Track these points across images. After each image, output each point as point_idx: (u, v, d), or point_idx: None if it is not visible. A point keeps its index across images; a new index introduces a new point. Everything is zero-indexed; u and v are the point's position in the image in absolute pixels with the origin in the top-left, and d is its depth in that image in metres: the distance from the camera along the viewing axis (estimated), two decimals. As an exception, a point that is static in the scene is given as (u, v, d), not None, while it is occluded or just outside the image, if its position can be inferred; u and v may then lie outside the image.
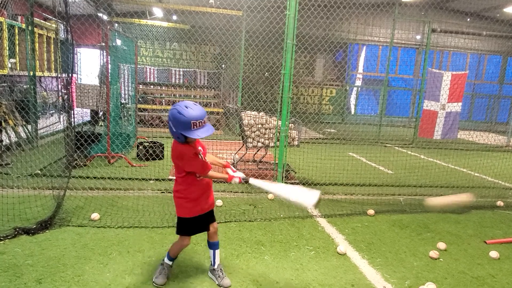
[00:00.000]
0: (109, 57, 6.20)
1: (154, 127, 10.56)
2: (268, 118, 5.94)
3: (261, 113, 6.09)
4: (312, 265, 3.30)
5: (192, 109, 2.43)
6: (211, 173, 2.60)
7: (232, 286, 2.88)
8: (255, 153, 6.40)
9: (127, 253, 3.30)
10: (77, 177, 5.35)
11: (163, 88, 12.82)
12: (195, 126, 2.40)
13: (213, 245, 2.89)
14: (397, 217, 4.64)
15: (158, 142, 6.94)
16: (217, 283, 2.86)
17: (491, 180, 6.91)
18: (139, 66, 12.32)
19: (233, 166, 5.88)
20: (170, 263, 2.89)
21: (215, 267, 2.90)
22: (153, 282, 2.82)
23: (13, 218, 3.74)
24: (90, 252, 3.26)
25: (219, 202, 4.68)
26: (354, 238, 3.94)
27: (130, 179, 5.51)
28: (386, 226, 4.35)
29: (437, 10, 15.12)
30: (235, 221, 4.18)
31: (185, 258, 3.26)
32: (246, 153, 6.19)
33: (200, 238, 3.05)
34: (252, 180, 2.68)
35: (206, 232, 2.86)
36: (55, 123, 9.35)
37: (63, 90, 10.50)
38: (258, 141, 5.85)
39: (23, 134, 7.09)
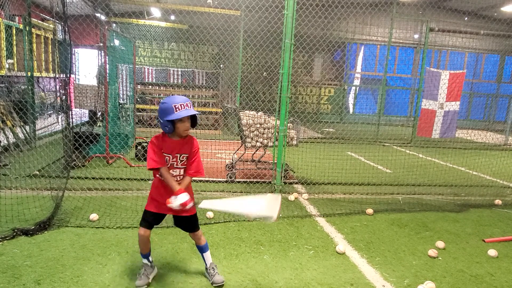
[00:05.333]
0: (107, 57, 6.20)
1: (153, 127, 10.56)
2: (267, 117, 5.94)
3: (260, 113, 6.09)
4: (311, 265, 3.30)
5: (174, 97, 2.66)
6: (163, 171, 2.67)
7: (231, 285, 2.88)
8: (254, 153, 6.40)
9: (126, 253, 3.30)
10: (75, 178, 5.35)
11: (162, 88, 12.81)
12: (177, 109, 2.58)
13: (200, 249, 2.98)
14: (396, 216, 4.65)
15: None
16: (210, 281, 2.89)
17: (489, 178, 6.93)
18: (137, 66, 12.30)
19: (232, 166, 5.95)
20: (145, 261, 2.89)
21: (207, 266, 2.97)
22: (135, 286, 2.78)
23: (12, 219, 3.73)
24: (89, 253, 3.25)
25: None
26: (353, 237, 3.94)
27: (128, 179, 5.50)
28: (385, 225, 4.35)
29: (435, 9, 15.16)
30: (234, 221, 4.18)
31: (184, 258, 3.26)
32: (244, 152, 6.18)
33: (199, 239, 3.05)
34: (204, 204, 2.58)
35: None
36: (53, 123, 9.34)
37: (61, 91, 10.50)
38: (256, 141, 5.85)
39: (21, 135, 7.08)
